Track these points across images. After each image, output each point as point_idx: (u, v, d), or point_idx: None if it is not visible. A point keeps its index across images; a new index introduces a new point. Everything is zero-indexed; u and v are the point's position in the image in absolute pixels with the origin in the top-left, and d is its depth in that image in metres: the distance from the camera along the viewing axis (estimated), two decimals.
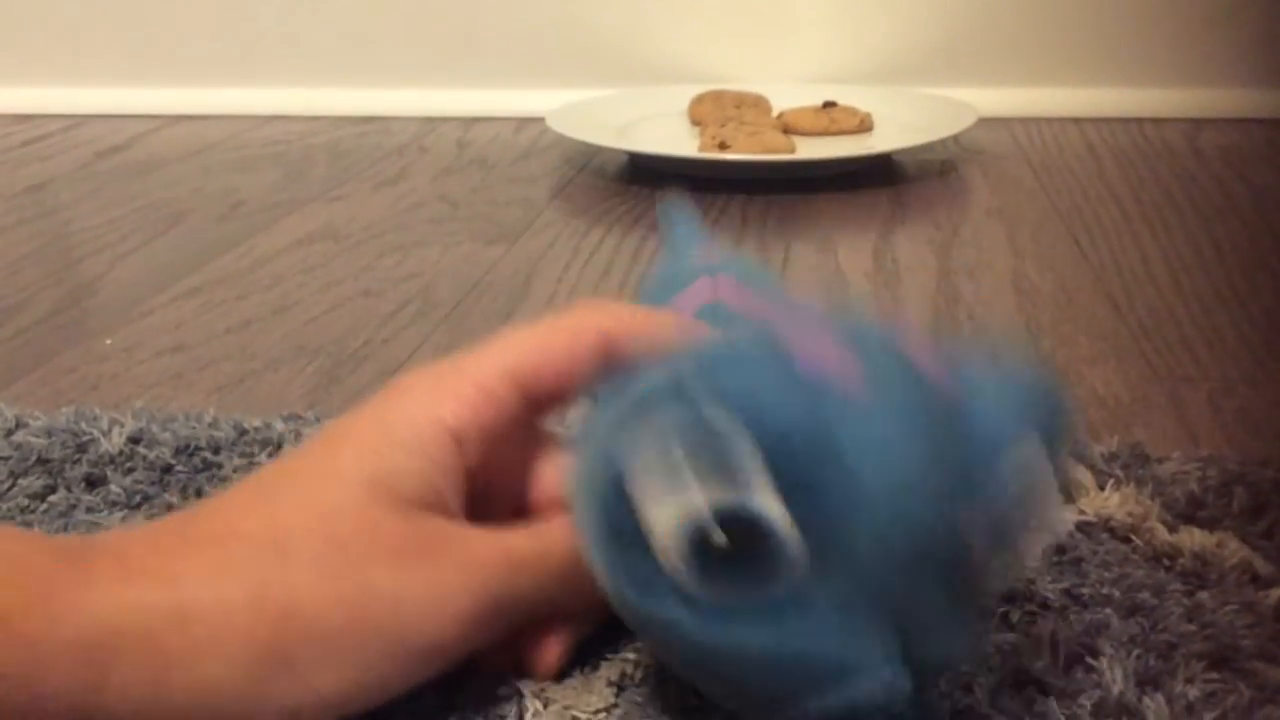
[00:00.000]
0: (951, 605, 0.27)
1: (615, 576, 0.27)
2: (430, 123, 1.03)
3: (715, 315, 0.36)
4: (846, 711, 0.25)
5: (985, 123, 0.89)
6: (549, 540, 0.30)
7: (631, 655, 0.32)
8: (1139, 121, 0.96)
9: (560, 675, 0.32)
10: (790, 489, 0.24)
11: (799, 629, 0.25)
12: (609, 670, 0.32)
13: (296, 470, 0.30)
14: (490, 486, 0.32)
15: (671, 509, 0.24)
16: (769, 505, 0.24)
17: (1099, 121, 0.97)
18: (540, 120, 0.91)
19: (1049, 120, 0.97)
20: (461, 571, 0.29)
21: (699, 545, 0.24)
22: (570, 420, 0.37)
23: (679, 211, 0.46)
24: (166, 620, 0.26)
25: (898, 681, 0.25)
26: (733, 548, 0.24)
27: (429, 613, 0.28)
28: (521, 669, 0.32)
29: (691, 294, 0.38)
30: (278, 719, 0.27)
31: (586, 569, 0.29)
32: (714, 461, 0.24)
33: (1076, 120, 0.97)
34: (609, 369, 0.31)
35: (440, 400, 0.31)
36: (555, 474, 0.33)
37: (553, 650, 0.31)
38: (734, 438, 0.24)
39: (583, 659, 0.32)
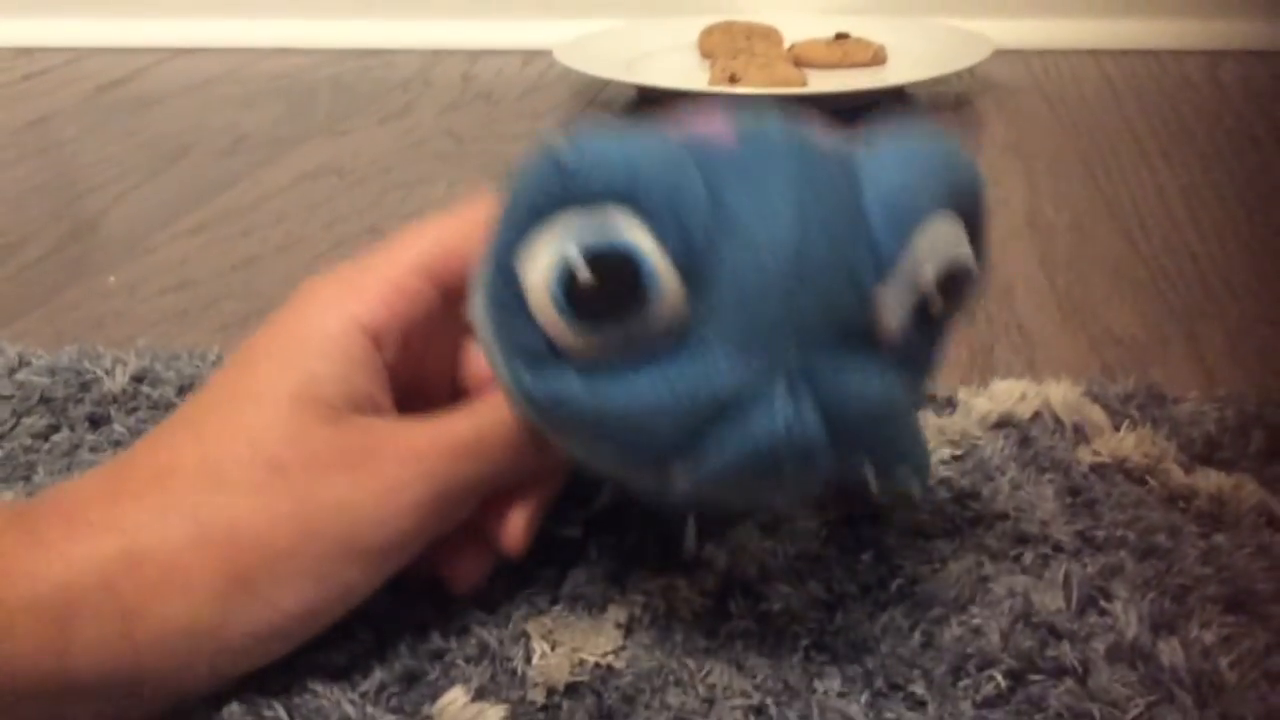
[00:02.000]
0: (878, 368, 0.26)
1: (510, 362, 0.26)
2: (435, 56, 1.01)
3: None
4: (755, 449, 0.25)
5: (1000, 55, 0.87)
6: (485, 416, 0.30)
7: (639, 598, 0.32)
8: (1157, 54, 0.94)
9: (568, 616, 0.31)
10: (661, 229, 0.24)
11: (687, 367, 0.25)
12: (616, 612, 0.31)
13: (219, 397, 0.30)
14: (419, 380, 0.32)
15: (542, 260, 0.24)
16: (633, 236, 0.24)
17: (1116, 54, 0.95)
18: (547, 53, 0.89)
19: (1065, 53, 0.95)
20: (403, 465, 0.28)
21: (572, 293, 0.24)
22: None
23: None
24: (118, 568, 0.26)
25: (803, 413, 0.25)
26: (605, 291, 0.24)
27: (377, 513, 0.28)
28: (493, 547, 0.31)
29: None
30: (250, 643, 0.27)
31: (527, 436, 0.29)
32: (580, 211, 0.24)
33: (1093, 52, 0.95)
34: None
35: (351, 300, 0.30)
36: (480, 357, 0.33)
37: (517, 522, 0.31)
38: (593, 183, 0.24)
39: (589, 601, 0.32)
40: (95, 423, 0.42)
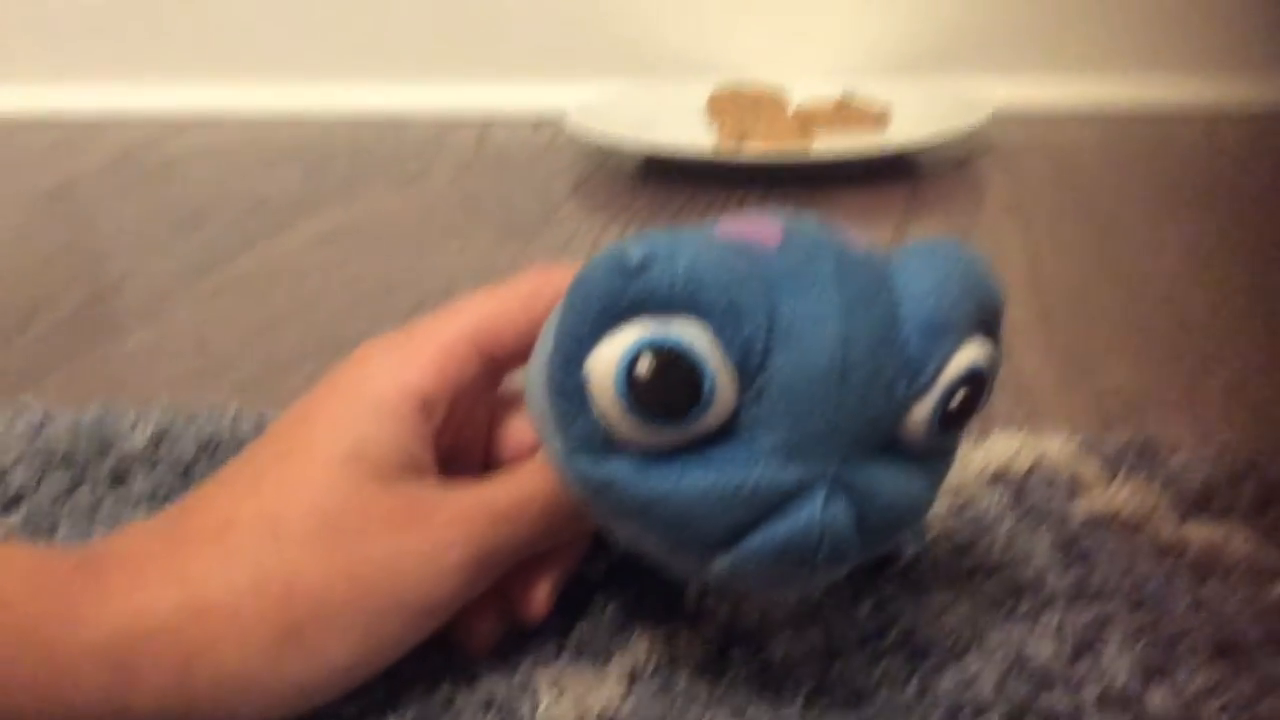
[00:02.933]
0: (901, 471, 0.28)
1: (566, 446, 0.28)
2: (449, 121, 1.03)
3: None
4: (792, 543, 0.27)
5: (1002, 116, 0.89)
6: (525, 484, 0.31)
7: (644, 647, 0.33)
8: (1156, 116, 0.96)
9: (574, 666, 0.32)
10: (715, 324, 0.26)
11: (734, 461, 0.26)
12: (621, 662, 0.32)
13: (275, 453, 0.31)
14: (457, 446, 0.33)
15: (607, 354, 0.26)
16: (690, 335, 0.26)
17: (1116, 116, 0.96)
18: (558, 117, 0.91)
19: (1066, 115, 0.97)
20: (449, 528, 0.30)
21: (633, 386, 0.26)
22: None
23: None
24: (182, 616, 0.27)
25: (838, 511, 0.27)
26: (663, 387, 0.26)
27: (424, 572, 0.29)
28: (514, 617, 0.33)
29: None
30: (295, 694, 0.28)
31: (563, 507, 0.31)
32: (646, 313, 0.26)
33: (1095, 116, 0.97)
34: None
35: (404, 366, 0.32)
36: (520, 428, 0.35)
37: (543, 591, 0.33)
38: (659, 287, 0.26)
39: (595, 651, 0.33)
40: (116, 481, 0.43)
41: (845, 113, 0.90)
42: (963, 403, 0.28)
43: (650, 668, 0.32)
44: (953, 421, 0.28)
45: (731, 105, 0.92)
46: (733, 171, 0.82)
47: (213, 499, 0.30)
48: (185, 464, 0.44)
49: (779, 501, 0.27)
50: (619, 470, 0.27)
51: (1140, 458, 0.41)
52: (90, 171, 0.93)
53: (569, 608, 0.34)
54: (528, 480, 0.31)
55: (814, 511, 0.27)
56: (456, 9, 1.06)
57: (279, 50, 1.09)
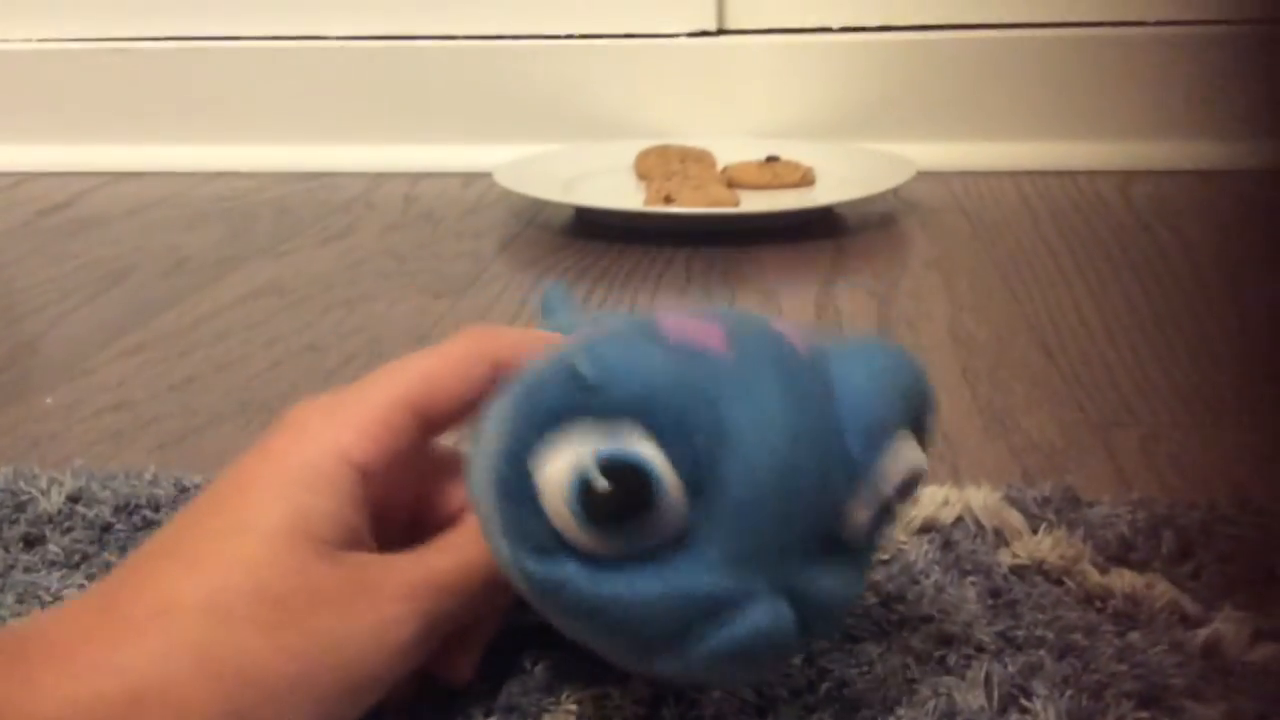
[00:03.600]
0: (837, 565, 0.29)
1: (514, 547, 0.28)
2: (377, 178, 1.03)
3: None
4: (738, 647, 0.27)
5: (923, 176, 0.91)
6: (466, 554, 0.31)
7: (573, 708, 0.32)
8: (1072, 174, 0.99)
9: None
10: (666, 440, 0.26)
11: (684, 570, 0.27)
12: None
13: (212, 527, 0.29)
14: (384, 504, 0.33)
15: (560, 466, 0.26)
16: (644, 450, 0.26)
17: (1033, 174, 0.99)
18: (487, 175, 0.92)
19: (985, 173, 1.00)
20: (396, 604, 0.29)
21: (587, 498, 0.26)
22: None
23: (556, 291, 0.49)
24: (122, 710, 0.26)
25: (781, 615, 0.28)
26: (617, 500, 0.26)
27: (372, 649, 0.29)
28: (438, 677, 0.32)
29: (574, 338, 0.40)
30: None
31: (497, 576, 0.30)
32: (595, 422, 0.26)
33: (1012, 173, 0.99)
34: (500, 389, 0.33)
35: (341, 434, 0.31)
36: (450, 489, 0.34)
37: (470, 657, 0.33)
38: (611, 400, 0.26)
39: (524, 712, 0.32)
40: (30, 543, 0.42)
41: (771, 172, 0.91)
42: (897, 497, 0.29)
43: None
44: (888, 518, 0.30)
45: (659, 163, 0.93)
46: (661, 229, 0.82)
47: (148, 577, 0.29)
48: (101, 526, 0.43)
49: (724, 609, 0.27)
50: (568, 572, 0.27)
51: (1062, 509, 0.42)
52: (6, 229, 0.91)
53: (497, 667, 0.34)
54: (468, 550, 0.31)
55: (759, 618, 0.27)
56: (384, 74, 1.06)
57: (203, 113, 1.08)
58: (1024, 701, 0.32)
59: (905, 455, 0.29)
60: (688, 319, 0.29)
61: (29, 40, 1.10)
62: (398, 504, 0.34)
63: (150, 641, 0.27)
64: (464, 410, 0.32)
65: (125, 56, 1.08)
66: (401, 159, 1.05)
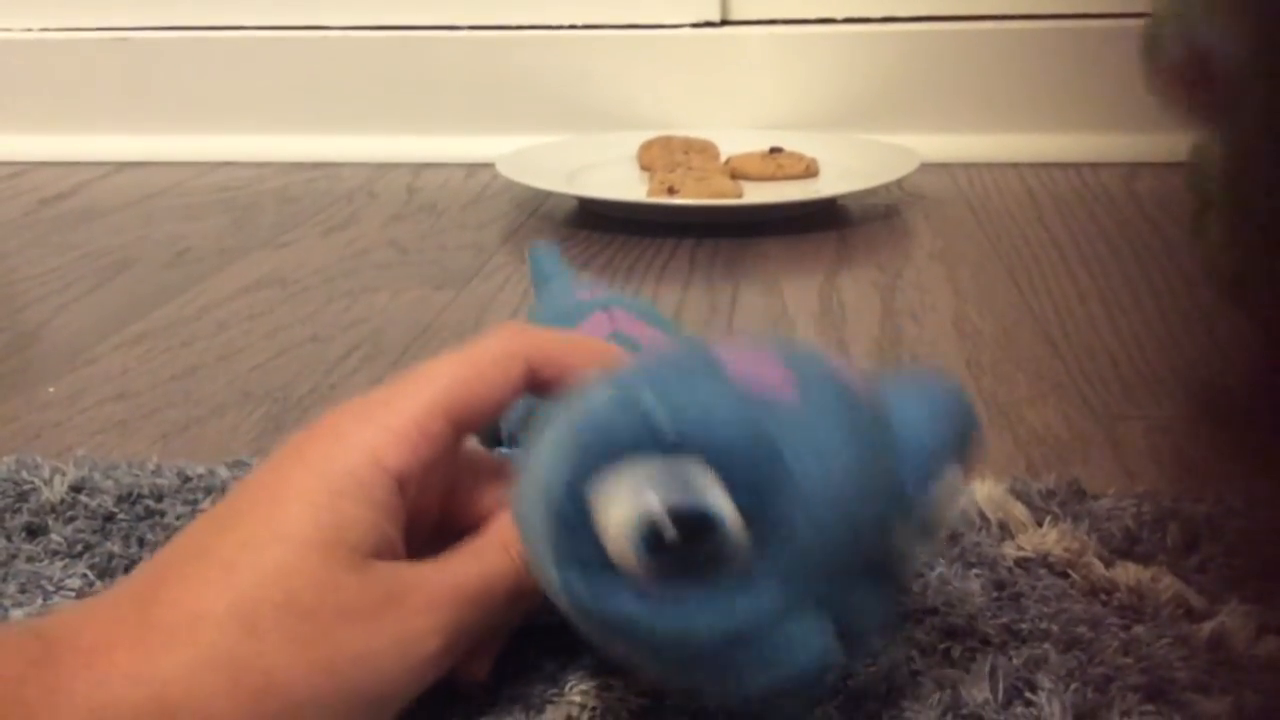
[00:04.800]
0: (878, 587, 0.29)
1: (569, 582, 0.27)
2: (380, 168, 1.03)
3: (621, 343, 0.37)
4: (789, 683, 0.27)
5: (927, 168, 0.90)
6: (492, 565, 0.31)
7: (577, 699, 0.32)
8: (1076, 166, 0.99)
9: (506, 718, 0.32)
10: (731, 485, 0.26)
11: (743, 610, 0.27)
12: (554, 714, 0.32)
13: (246, 533, 0.29)
14: (415, 511, 0.32)
15: (627, 509, 0.26)
16: (718, 503, 0.26)
17: (1038, 166, 0.99)
18: (490, 166, 0.91)
19: (989, 165, 0.99)
20: (424, 615, 0.29)
21: (653, 543, 0.26)
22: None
23: (546, 253, 0.48)
24: (149, 718, 0.26)
25: (832, 653, 0.28)
26: (683, 547, 0.26)
27: (398, 662, 0.29)
28: (454, 679, 0.32)
29: (590, 327, 0.40)
30: None
31: (521, 586, 0.30)
32: (663, 464, 0.26)
33: (1016, 165, 0.99)
34: (537, 392, 0.33)
35: (378, 443, 0.30)
36: (478, 488, 0.34)
37: (485, 660, 0.32)
38: (680, 444, 0.26)
39: (528, 703, 0.32)
40: (33, 533, 0.42)
41: (775, 164, 0.91)
42: (938, 526, 0.30)
43: (585, 718, 0.32)
44: (927, 540, 0.30)
45: (662, 154, 0.93)
46: (664, 220, 0.82)
47: (180, 582, 0.28)
48: (104, 516, 0.43)
49: (777, 633, 0.27)
50: (621, 599, 0.27)
51: (1067, 501, 0.42)
52: (9, 219, 0.91)
53: (502, 658, 0.33)
54: (496, 561, 0.31)
55: (810, 645, 0.27)
56: (389, 64, 1.06)
57: (205, 103, 1.08)
58: (1029, 695, 0.32)
59: (951, 488, 0.30)
60: (748, 353, 0.29)
61: (30, 30, 1.09)
62: (427, 506, 0.33)
63: (181, 652, 0.27)
64: (497, 412, 0.32)
65: (128, 46, 1.08)
66: (404, 149, 1.05)
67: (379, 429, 0.31)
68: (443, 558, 0.31)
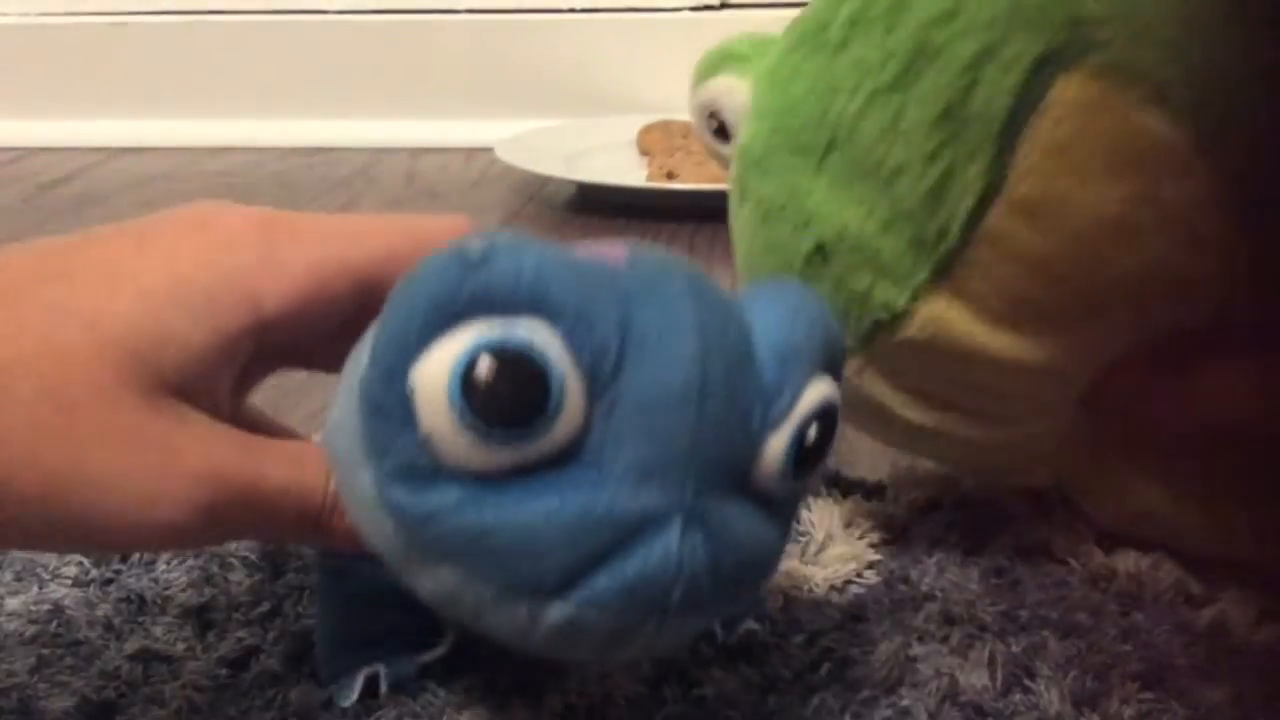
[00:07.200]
0: (754, 514, 0.26)
1: (379, 479, 0.24)
2: (378, 153, 1.02)
3: None
4: (644, 582, 0.23)
5: None
6: (296, 479, 0.27)
7: (575, 686, 0.32)
8: None
9: (506, 705, 0.31)
10: (563, 327, 0.23)
11: (582, 484, 0.23)
12: (553, 701, 0.32)
13: (62, 295, 0.25)
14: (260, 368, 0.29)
15: (441, 359, 0.23)
16: (538, 338, 0.23)
17: None
18: (489, 150, 0.91)
19: None
20: (183, 481, 0.25)
21: (470, 391, 0.22)
22: None
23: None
24: None
25: (694, 549, 0.24)
26: (505, 391, 0.22)
27: (136, 511, 0.25)
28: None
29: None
30: None
31: (319, 519, 0.27)
32: (486, 319, 0.23)
33: None
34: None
35: (265, 274, 0.26)
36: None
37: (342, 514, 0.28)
38: (503, 284, 0.23)
39: (527, 689, 0.32)
40: None
41: None
42: (816, 441, 0.26)
43: (583, 706, 0.32)
44: (805, 462, 0.26)
45: (662, 138, 0.92)
46: (663, 205, 0.82)
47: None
48: None
49: (629, 533, 0.23)
50: (445, 499, 0.23)
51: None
52: (6, 204, 0.90)
53: (498, 648, 0.33)
54: (306, 478, 0.27)
55: (669, 544, 0.23)
56: (387, 47, 1.06)
57: (203, 88, 1.08)
58: (1027, 682, 0.32)
59: (821, 388, 0.26)
60: (590, 243, 0.26)
61: (28, 14, 1.09)
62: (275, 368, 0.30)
63: None
64: None
65: (125, 30, 1.08)
66: (403, 134, 1.04)
67: (273, 258, 0.26)
68: (254, 445, 0.26)
